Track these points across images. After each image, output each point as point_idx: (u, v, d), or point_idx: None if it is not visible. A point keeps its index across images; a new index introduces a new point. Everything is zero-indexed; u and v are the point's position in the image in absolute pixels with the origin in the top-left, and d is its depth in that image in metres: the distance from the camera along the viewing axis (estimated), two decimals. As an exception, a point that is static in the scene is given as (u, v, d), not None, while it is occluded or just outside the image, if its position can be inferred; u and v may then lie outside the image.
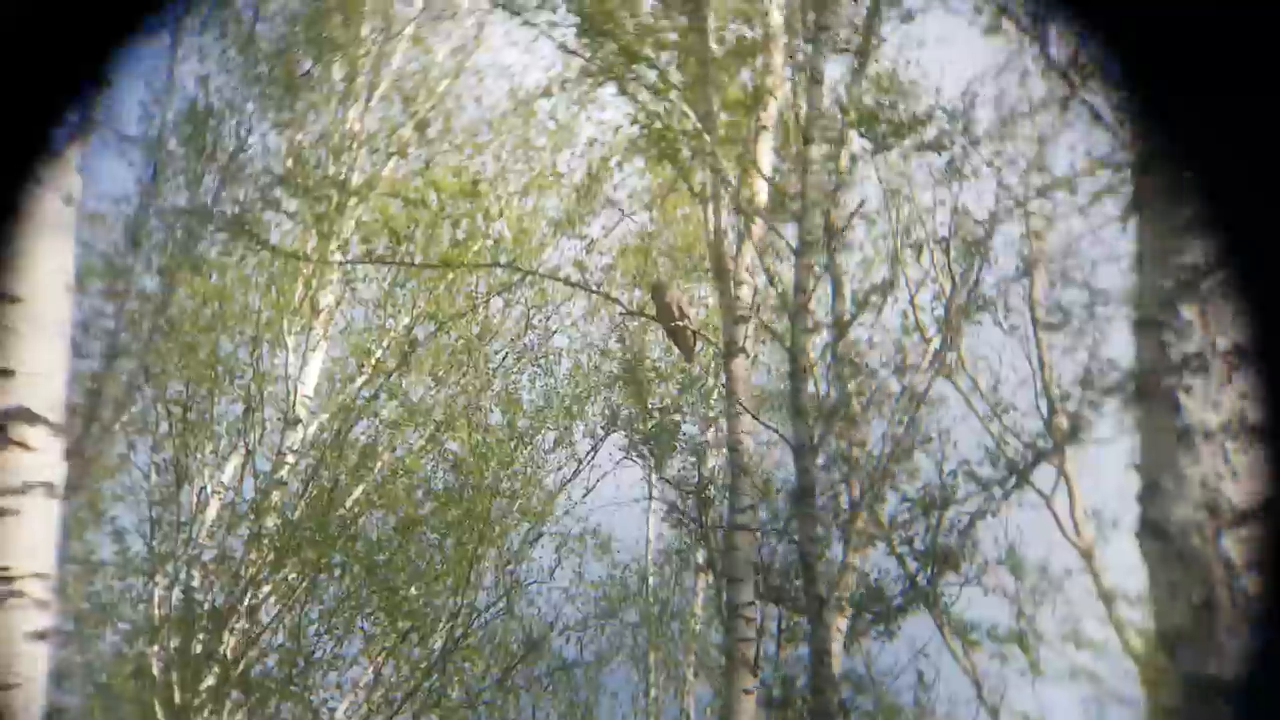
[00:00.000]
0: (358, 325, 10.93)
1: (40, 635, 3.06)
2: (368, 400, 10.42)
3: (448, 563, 10.37)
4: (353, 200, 10.31)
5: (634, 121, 8.20)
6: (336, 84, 10.37)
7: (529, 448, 11.19)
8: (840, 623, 8.04)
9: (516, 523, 10.95)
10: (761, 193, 7.75)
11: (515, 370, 11.29)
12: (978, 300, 8.06)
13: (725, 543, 7.83)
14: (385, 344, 10.69)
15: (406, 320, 10.75)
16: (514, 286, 10.46)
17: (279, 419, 10.29)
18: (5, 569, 3.06)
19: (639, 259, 10.78)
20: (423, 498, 10.67)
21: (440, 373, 11.12)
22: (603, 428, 11.11)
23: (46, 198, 3.32)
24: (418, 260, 10.01)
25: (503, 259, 9.70)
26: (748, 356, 7.73)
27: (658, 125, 7.99)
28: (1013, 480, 8.04)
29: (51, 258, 3.33)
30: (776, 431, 7.92)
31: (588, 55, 7.91)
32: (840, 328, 8.26)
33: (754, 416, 7.65)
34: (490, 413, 11.17)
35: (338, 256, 10.05)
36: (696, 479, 9.43)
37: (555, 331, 11.48)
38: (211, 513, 9.92)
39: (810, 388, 7.74)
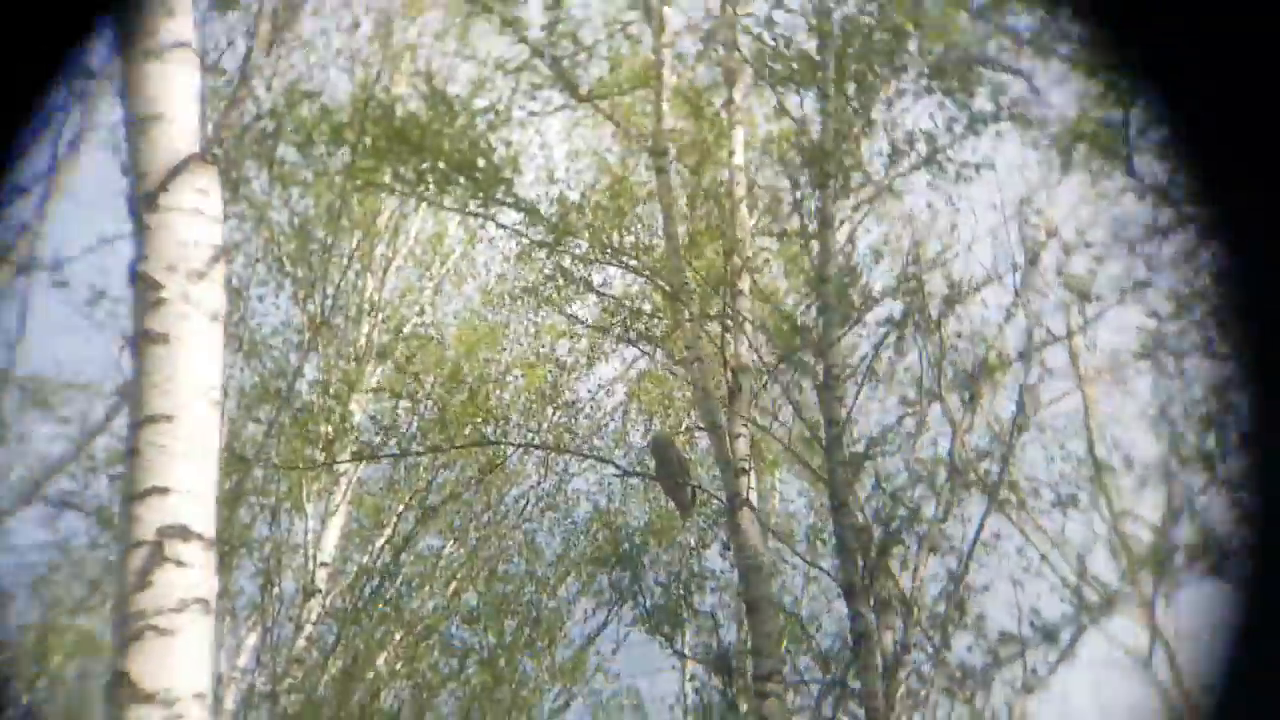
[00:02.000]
0: (373, 486, 10.89)
1: (204, 757, 2.95)
2: (388, 564, 10.28)
3: None
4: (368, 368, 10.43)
5: (606, 313, 8.48)
6: (353, 254, 10.56)
7: (552, 599, 11.01)
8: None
9: (546, 685, 10.65)
10: (744, 347, 7.71)
11: (535, 517, 11.19)
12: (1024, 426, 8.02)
13: (755, 707, 7.32)
14: (400, 507, 10.64)
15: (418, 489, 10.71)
16: (507, 461, 10.36)
17: (297, 590, 10.08)
18: (167, 690, 2.96)
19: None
20: (444, 661, 10.42)
21: (458, 530, 11.05)
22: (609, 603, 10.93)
23: (194, 316, 3.34)
24: (415, 447, 9.93)
25: (494, 433, 9.63)
26: (752, 510, 7.47)
27: (624, 314, 8.32)
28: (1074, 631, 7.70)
29: (198, 376, 3.34)
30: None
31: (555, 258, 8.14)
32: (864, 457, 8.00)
33: (763, 569, 7.34)
34: (510, 562, 11.03)
35: (345, 456, 9.97)
36: (716, 650, 9.05)
37: (574, 475, 11.40)
38: (230, 703, 9.60)
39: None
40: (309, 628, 9.81)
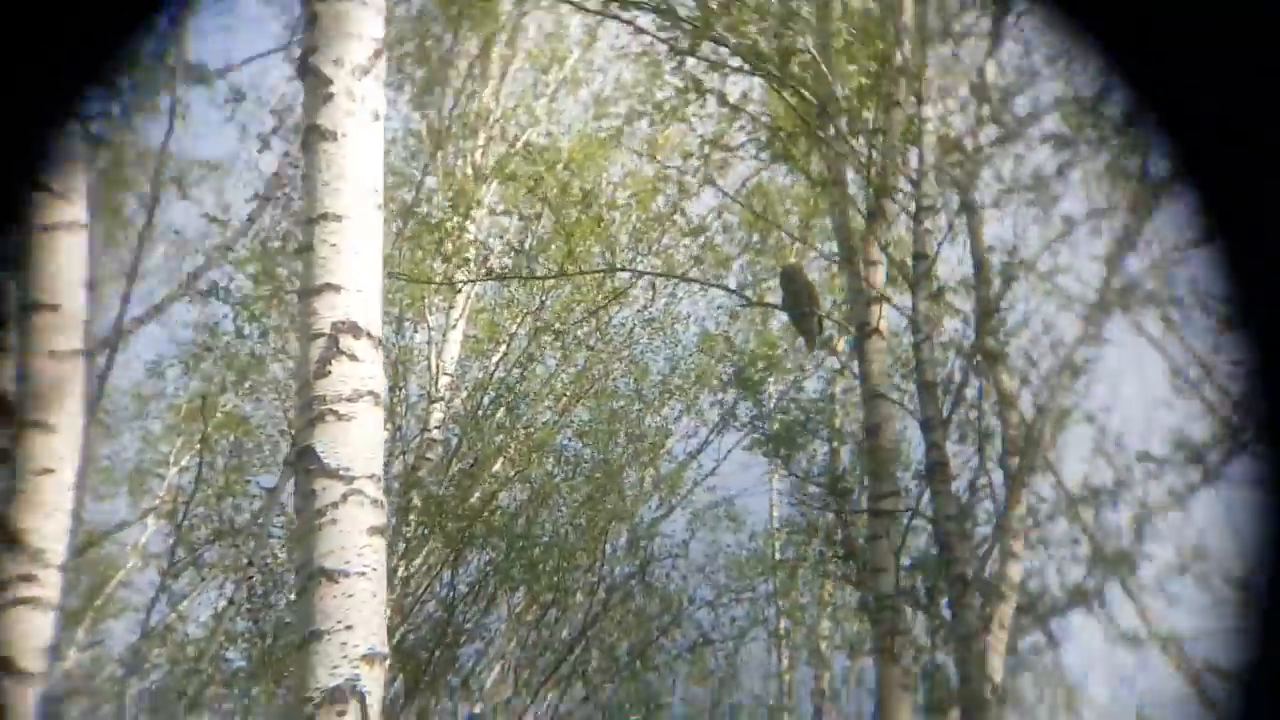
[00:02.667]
0: (489, 302, 11.09)
1: (378, 530, 3.16)
2: (504, 378, 10.54)
3: (582, 535, 10.44)
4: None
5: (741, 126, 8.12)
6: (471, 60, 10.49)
7: (656, 416, 11.23)
8: (1005, 618, 7.44)
9: (647, 495, 10.96)
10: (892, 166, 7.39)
11: (642, 339, 11.33)
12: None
13: (869, 530, 7.46)
14: (517, 322, 10.81)
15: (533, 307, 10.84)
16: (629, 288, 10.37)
17: (421, 395, 10.41)
18: (347, 469, 3.16)
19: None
20: (555, 469, 10.76)
21: (569, 347, 11.21)
22: (720, 420, 11.09)
23: (359, 113, 3.41)
24: (536, 271, 10.01)
25: (617, 262, 9.62)
26: (883, 338, 7.44)
27: (762, 123, 7.95)
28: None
29: (364, 176, 3.43)
30: (903, 406, 7.62)
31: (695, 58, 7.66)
32: (985, 307, 7.82)
33: (890, 399, 7.35)
34: (619, 381, 11.25)
35: (460, 276, 10.07)
36: (829, 471, 9.20)
37: (681, 299, 11.46)
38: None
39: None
40: (434, 431, 10.17)
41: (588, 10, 8.56)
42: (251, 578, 9.26)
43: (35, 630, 3.33)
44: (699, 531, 11.44)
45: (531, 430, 10.40)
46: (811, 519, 9.50)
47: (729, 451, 11.37)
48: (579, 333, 10.79)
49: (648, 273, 9.90)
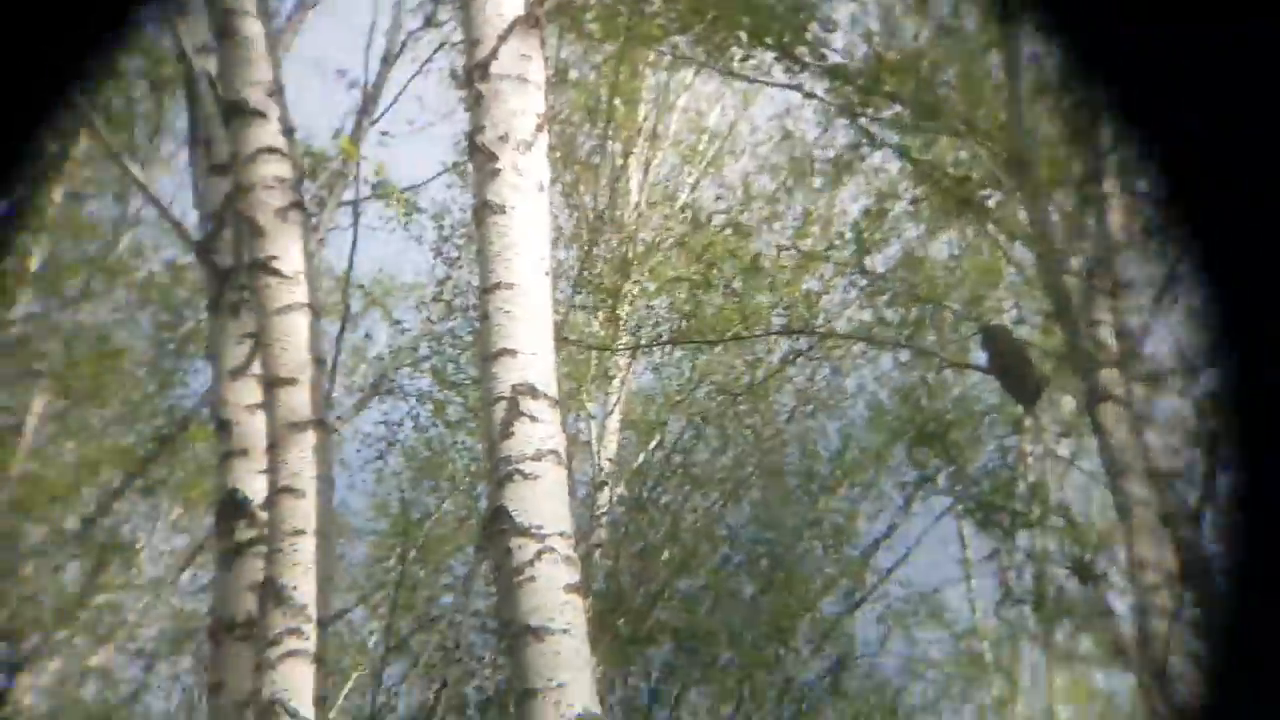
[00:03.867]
0: (648, 388, 11.05)
1: (574, 588, 3.21)
2: (663, 464, 10.47)
3: (763, 626, 10.01)
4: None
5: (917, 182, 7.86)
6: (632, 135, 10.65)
7: (833, 497, 10.86)
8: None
9: (831, 584, 10.51)
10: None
11: (808, 419, 11.03)
12: None
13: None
14: (676, 409, 10.73)
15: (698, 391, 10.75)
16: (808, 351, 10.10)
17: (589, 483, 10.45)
18: (538, 527, 3.23)
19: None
20: (730, 555, 10.52)
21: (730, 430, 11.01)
22: (913, 483, 10.45)
23: (523, 186, 3.55)
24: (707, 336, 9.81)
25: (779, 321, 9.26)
26: (1120, 405, 6.60)
27: (948, 176, 7.66)
28: None
29: (532, 245, 3.56)
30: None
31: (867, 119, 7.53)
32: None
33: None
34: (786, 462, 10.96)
35: (624, 340, 10.14)
36: (1070, 554, 8.10)
37: (847, 375, 11.20)
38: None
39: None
40: (603, 517, 10.19)
41: (754, 81, 8.42)
42: (459, 660, 9.40)
43: (304, 683, 3.45)
44: (893, 629, 10.71)
45: (700, 514, 10.28)
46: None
47: (925, 531, 10.70)
48: (741, 407, 10.61)
49: (830, 334, 9.42)
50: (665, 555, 10.46)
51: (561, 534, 3.27)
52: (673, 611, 9.88)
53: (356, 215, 5.15)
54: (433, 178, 9.70)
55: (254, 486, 3.98)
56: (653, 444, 10.69)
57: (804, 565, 10.54)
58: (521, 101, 3.55)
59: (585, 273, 9.89)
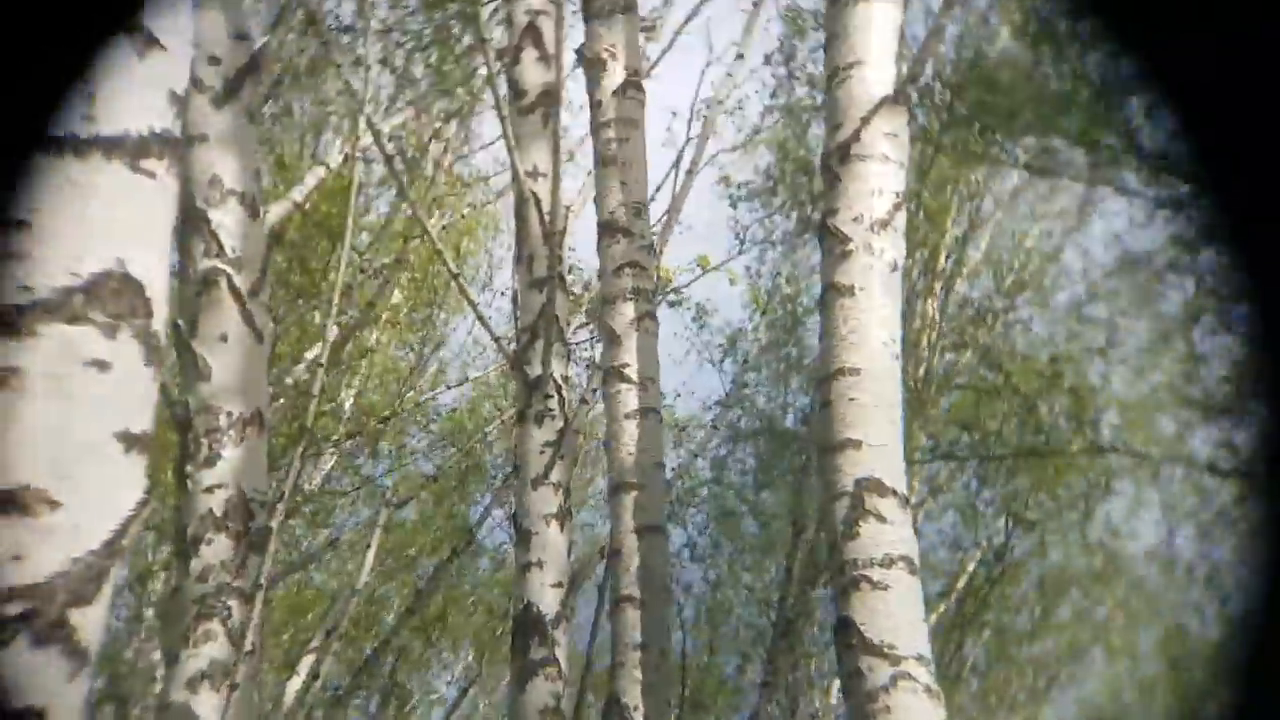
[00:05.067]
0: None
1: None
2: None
3: None
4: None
5: None
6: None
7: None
8: None
9: None
10: None
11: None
12: None
13: None
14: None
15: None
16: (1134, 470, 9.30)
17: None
18: (891, 647, 2.76)
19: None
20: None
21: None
22: None
23: (876, 266, 3.26)
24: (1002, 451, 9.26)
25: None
26: None
27: None
28: None
29: (880, 328, 3.22)
30: None
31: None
32: None
33: None
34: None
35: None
36: None
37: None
38: None
39: None
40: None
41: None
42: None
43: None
44: None
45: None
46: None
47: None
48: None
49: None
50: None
51: (919, 658, 2.78)
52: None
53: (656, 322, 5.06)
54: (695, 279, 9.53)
55: (545, 600, 3.90)
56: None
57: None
58: (881, 180, 3.28)
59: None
